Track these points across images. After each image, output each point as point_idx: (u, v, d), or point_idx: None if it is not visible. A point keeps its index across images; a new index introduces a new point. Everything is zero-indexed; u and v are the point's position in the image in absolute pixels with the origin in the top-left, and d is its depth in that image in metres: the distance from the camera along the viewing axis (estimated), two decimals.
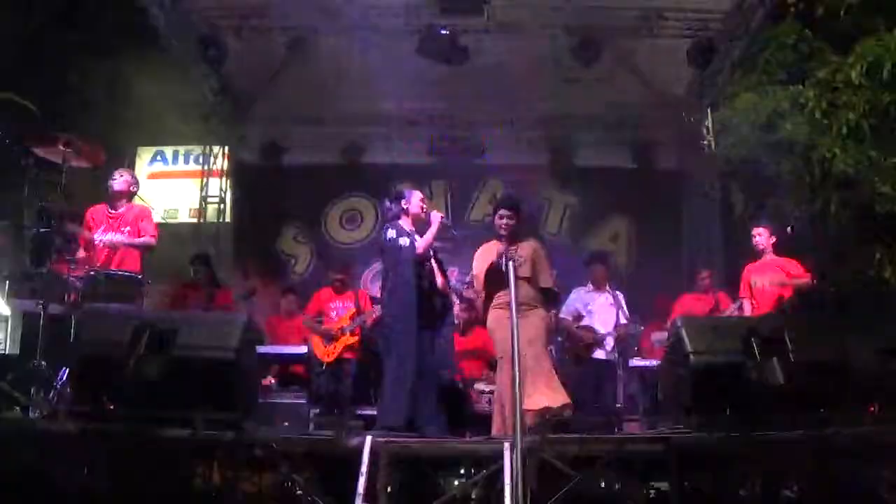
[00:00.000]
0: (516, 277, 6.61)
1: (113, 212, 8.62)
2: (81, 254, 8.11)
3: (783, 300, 9.14)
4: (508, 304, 6.41)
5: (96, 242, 8.41)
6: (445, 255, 13.38)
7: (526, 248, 7.78)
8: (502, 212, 7.95)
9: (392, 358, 7.78)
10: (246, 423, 6.25)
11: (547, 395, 7.14)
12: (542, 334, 7.72)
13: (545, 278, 7.82)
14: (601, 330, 10.14)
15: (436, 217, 8.26)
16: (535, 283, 7.74)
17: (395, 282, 7.95)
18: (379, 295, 8.59)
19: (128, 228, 8.55)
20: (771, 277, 9.39)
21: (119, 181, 8.67)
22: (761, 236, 9.61)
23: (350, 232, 14.36)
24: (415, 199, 8.34)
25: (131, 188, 8.83)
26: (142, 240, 8.54)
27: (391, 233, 8.06)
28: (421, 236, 8.13)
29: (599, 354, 10.14)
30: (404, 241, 8.00)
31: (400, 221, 8.16)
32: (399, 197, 8.33)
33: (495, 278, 7.59)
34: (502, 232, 7.89)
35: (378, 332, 8.35)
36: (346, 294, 10.84)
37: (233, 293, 11.02)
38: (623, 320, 10.20)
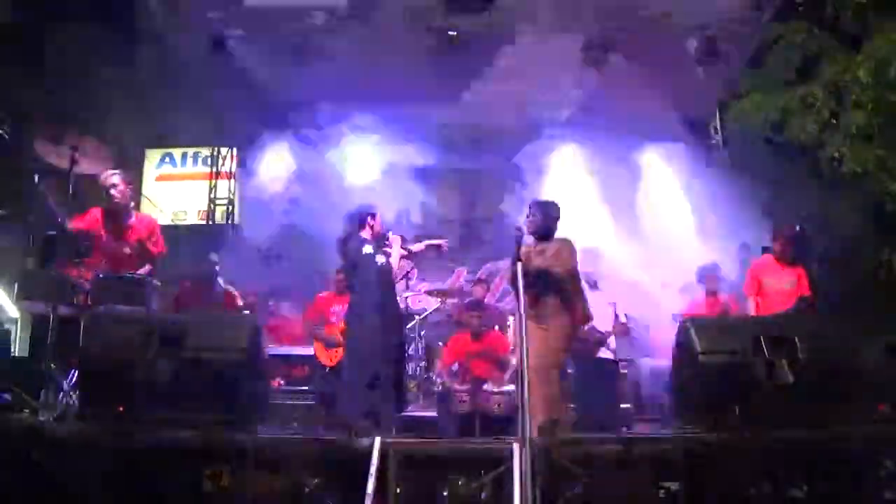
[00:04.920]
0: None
1: (116, 223, 8.37)
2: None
3: (806, 298, 9.12)
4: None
5: (101, 245, 8.36)
6: (453, 256, 13.62)
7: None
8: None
9: (355, 361, 8.28)
10: (255, 424, 6.26)
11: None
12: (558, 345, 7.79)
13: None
14: (601, 329, 10.12)
15: (396, 239, 8.81)
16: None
17: (367, 294, 8.41)
18: (348, 306, 8.82)
19: (136, 244, 8.41)
20: (787, 279, 9.35)
21: (116, 193, 8.34)
22: (784, 240, 9.57)
23: None
24: (379, 218, 8.85)
25: (129, 195, 8.61)
26: (145, 270, 8.42)
27: (367, 248, 8.51)
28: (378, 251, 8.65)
29: (604, 354, 10.11)
30: (380, 258, 8.54)
31: (363, 234, 8.46)
32: (367, 212, 8.75)
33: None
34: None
35: (347, 340, 8.61)
36: (347, 296, 10.69)
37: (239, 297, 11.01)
38: (622, 318, 10.21)
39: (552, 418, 7.13)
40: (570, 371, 9.28)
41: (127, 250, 8.34)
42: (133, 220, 8.54)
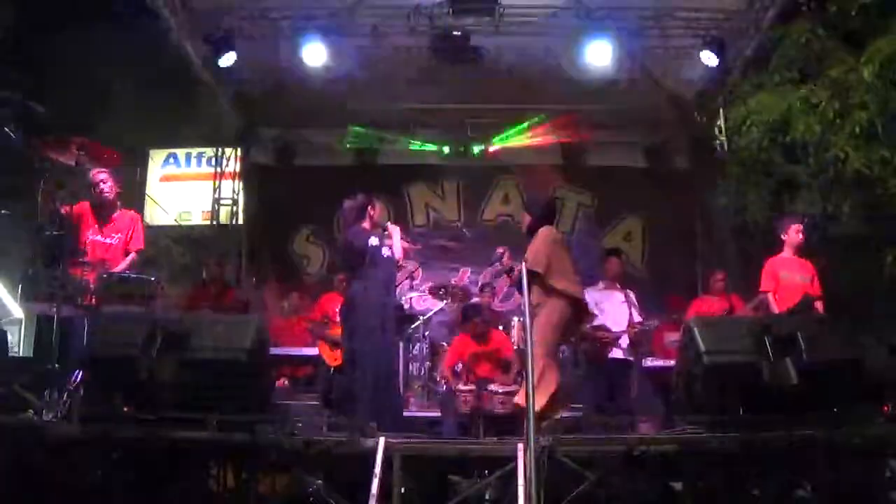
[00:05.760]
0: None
1: (102, 218, 8.58)
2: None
3: (810, 296, 9.05)
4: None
5: (86, 240, 8.42)
6: (457, 256, 13.64)
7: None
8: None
9: (364, 358, 8.17)
10: (259, 424, 6.26)
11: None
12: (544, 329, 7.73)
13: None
14: (614, 329, 10.10)
15: (395, 229, 8.70)
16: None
17: (372, 288, 8.30)
18: (346, 296, 8.75)
19: (119, 235, 8.53)
20: (801, 274, 9.28)
21: (106, 190, 8.58)
22: (797, 232, 9.48)
23: None
24: (378, 209, 8.86)
25: (118, 192, 8.80)
26: (126, 262, 8.49)
27: (374, 240, 8.39)
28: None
29: (616, 354, 10.10)
30: (386, 250, 8.44)
31: (364, 226, 8.40)
32: (366, 202, 8.65)
33: None
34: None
35: (348, 334, 8.50)
36: None
37: (245, 291, 11.01)
38: (637, 318, 10.18)
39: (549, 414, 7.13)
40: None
41: (109, 241, 8.46)
42: (116, 214, 8.65)
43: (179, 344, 6.28)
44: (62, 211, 7.80)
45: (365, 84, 12.36)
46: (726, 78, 12.18)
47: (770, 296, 9.28)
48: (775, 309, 9.08)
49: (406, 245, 8.91)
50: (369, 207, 8.56)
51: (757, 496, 6.57)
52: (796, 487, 6.54)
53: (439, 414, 10.25)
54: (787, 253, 9.45)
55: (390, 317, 8.46)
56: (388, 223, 8.85)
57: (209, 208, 14.28)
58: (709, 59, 11.30)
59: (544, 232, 8.01)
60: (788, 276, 9.25)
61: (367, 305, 8.22)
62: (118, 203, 8.73)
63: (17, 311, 8.94)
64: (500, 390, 9.56)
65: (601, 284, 10.46)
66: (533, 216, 8.25)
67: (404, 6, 10.95)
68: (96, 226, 8.49)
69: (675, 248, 13.66)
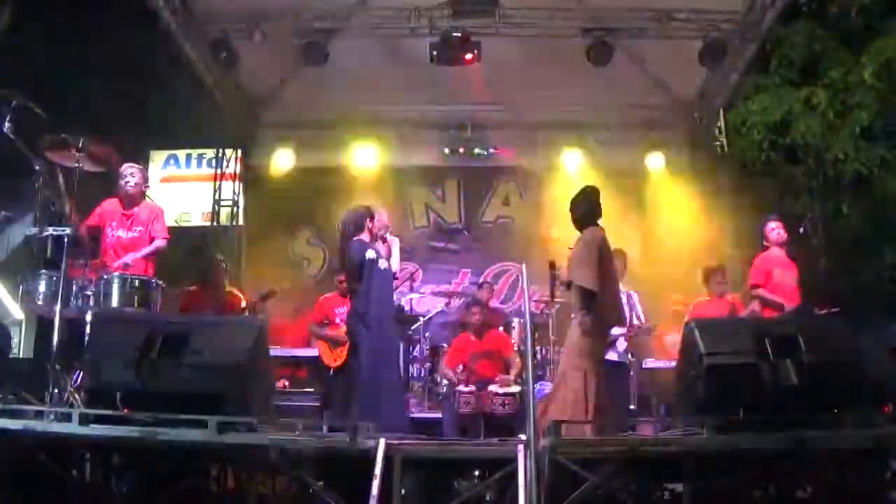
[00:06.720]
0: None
1: (126, 210, 8.65)
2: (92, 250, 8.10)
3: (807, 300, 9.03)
4: None
5: (107, 238, 8.46)
6: (458, 257, 13.64)
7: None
8: None
9: (359, 367, 8.26)
10: (259, 426, 6.26)
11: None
12: (575, 346, 7.75)
13: (577, 275, 7.81)
14: (614, 331, 10.07)
15: (395, 241, 8.81)
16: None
17: (372, 300, 8.33)
18: (349, 310, 8.75)
19: (140, 228, 8.57)
20: (792, 276, 9.27)
21: (132, 183, 8.68)
22: (777, 230, 9.47)
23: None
24: (379, 221, 8.81)
25: (143, 188, 8.86)
26: (152, 247, 8.54)
27: (371, 253, 8.41)
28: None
29: (611, 356, 10.07)
30: (383, 263, 8.48)
31: (363, 237, 8.42)
32: (366, 214, 8.73)
33: None
34: None
35: (353, 348, 8.53)
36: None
37: (247, 296, 10.98)
38: (636, 321, 10.15)
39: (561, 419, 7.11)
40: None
41: (132, 235, 8.58)
42: (138, 208, 8.75)
43: (179, 345, 6.28)
44: (65, 211, 7.82)
45: (365, 84, 12.37)
46: (726, 78, 12.18)
47: (761, 290, 9.26)
48: (773, 299, 9.06)
49: (399, 260, 8.94)
50: (368, 220, 8.58)
51: (757, 496, 6.56)
52: (796, 488, 6.54)
53: (440, 415, 10.25)
54: (776, 251, 9.44)
55: (389, 327, 8.51)
56: (388, 234, 8.85)
57: (209, 209, 14.27)
58: (709, 59, 11.30)
59: (587, 236, 7.93)
60: (781, 276, 9.26)
61: (366, 320, 8.24)
62: (141, 197, 8.84)
63: (17, 311, 8.89)
64: (501, 391, 9.56)
65: None
66: (573, 214, 8.19)
67: (404, 7, 10.96)
68: (120, 220, 8.56)
69: (676, 249, 13.64)
